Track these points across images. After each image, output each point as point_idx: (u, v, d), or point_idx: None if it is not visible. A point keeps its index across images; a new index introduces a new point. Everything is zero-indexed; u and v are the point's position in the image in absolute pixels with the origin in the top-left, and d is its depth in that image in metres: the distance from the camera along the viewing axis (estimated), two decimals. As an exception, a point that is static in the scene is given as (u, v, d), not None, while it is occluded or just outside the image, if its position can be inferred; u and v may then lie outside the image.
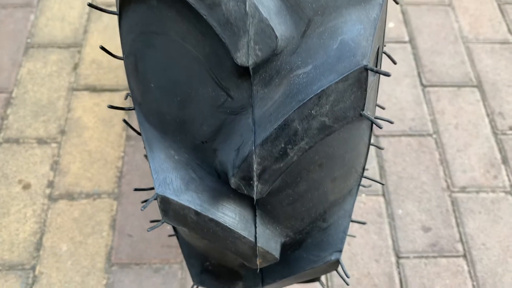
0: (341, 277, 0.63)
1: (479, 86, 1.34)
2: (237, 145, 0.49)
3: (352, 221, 0.70)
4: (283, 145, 0.48)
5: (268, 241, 0.58)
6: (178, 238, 0.72)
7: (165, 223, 1.11)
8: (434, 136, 1.26)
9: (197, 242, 0.66)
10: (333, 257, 0.61)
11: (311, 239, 0.63)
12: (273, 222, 0.59)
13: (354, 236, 0.86)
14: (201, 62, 0.48)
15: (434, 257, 1.09)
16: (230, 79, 0.48)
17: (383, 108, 0.64)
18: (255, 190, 0.51)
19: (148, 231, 0.54)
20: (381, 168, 1.20)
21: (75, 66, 1.36)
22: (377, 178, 1.19)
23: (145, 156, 0.67)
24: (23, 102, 1.29)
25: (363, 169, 0.61)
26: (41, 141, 1.23)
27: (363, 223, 0.72)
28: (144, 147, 0.56)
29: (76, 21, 1.44)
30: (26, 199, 1.14)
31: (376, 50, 0.50)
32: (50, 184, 1.17)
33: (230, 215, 0.55)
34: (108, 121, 1.26)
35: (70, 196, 1.15)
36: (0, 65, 1.35)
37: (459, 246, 1.11)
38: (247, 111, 0.49)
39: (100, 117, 1.26)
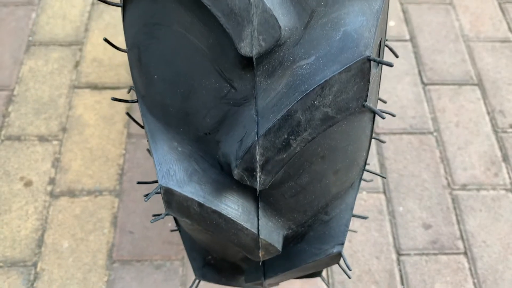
0: (343, 269, 0.63)
1: (480, 84, 1.35)
2: (240, 136, 0.50)
3: (354, 215, 0.70)
4: (286, 136, 0.48)
5: (271, 233, 0.59)
6: (180, 232, 0.72)
7: (167, 220, 1.11)
8: (435, 134, 1.26)
9: (199, 236, 0.66)
10: (335, 250, 0.61)
11: (313, 232, 0.63)
12: (276, 214, 0.59)
13: (355, 232, 0.86)
14: (205, 54, 0.49)
15: (435, 254, 1.09)
16: (234, 70, 0.48)
17: (384, 102, 0.64)
18: (258, 181, 0.51)
19: (151, 222, 0.54)
20: (382, 165, 1.21)
21: (76, 64, 1.36)
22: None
23: (148, 150, 0.67)
24: (25, 99, 1.29)
25: (365, 162, 0.61)
26: (42, 139, 1.23)
27: (365, 218, 0.72)
28: (147, 140, 0.56)
29: (77, 19, 1.45)
30: (27, 196, 1.15)
31: (378, 42, 0.50)
32: (52, 181, 1.17)
33: (233, 207, 0.55)
34: (109, 118, 1.26)
35: (71, 193, 1.15)
36: (1, 63, 1.35)
37: (460, 244, 1.11)
38: (250, 103, 0.49)
39: (101, 115, 1.27)
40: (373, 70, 0.49)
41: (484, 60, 1.39)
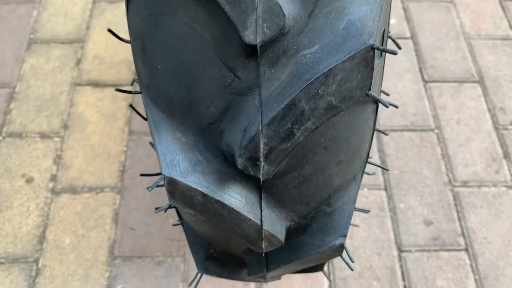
0: (345, 262, 0.63)
1: (481, 81, 1.35)
2: (244, 126, 0.50)
3: (356, 209, 0.70)
4: (289, 125, 0.48)
5: (274, 224, 0.59)
6: (183, 226, 0.72)
7: (168, 216, 1.11)
8: (436, 131, 1.26)
9: (202, 228, 0.66)
10: (337, 242, 0.61)
11: (316, 224, 0.63)
12: (279, 205, 0.59)
13: (357, 226, 0.86)
14: (209, 43, 0.49)
15: (436, 250, 1.09)
16: (238, 59, 0.48)
17: (387, 95, 0.64)
18: (262, 171, 0.51)
19: (155, 212, 0.54)
20: (383, 162, 1.21)
21: (78, 62, 1.36)
22: (379, 172, 1.19)
23: (151, 143, 0.67)
24: (26, 97, 1.29)
25: (368, 154, 0.62)
26: (44, 136, 1.23)
27: (367, 212, 0.72)
28: (151, 131, 0.56)
29: (79, 17, 1.45)
30: (29, 193, 1.15)
31: (382, 31, 0.50)
32: (53, 178, 1.17)
33: (236, 198, 0.55)
34: (111, 116, 1.26)
35: (73, 190, 1.15)
36: (3, 61, 1.35)
37: (461, 240, 1.11)
38: (254, 92, 0.49)
39: (102, 112, 1.27)
40: (377, 61, 0.49)
41: (485, 58, 1.39)
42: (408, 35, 1.44)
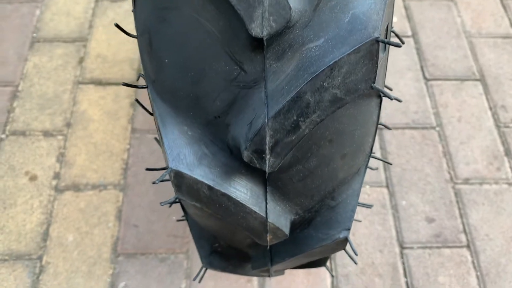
0: (349, 255, 0.64)
1: (482, 79, 1.35)
2: (249, 119, 0.50)
3: (359, 204, 0.71)
4: (295, 118, 0.49)
5: (279, 217, 0.59)
6: (187, 221, 0.72)
7: (171, 213, 1.12)
8: (437, 128, 1.27)
9: (207, 221, 0.67)
10: (341, 235, 0.62)
11: (320, 217, 0.64)
12: (284, 199, 0.59)
13: (359, 221, 0.86)
14: (215, 36, 0.49)
15: (438, 247, 1.10)
16: (244, 52, 0.49)
17: (390, 89, 0.65)
18: (267, 164, 0.52)
19: (161, 205, 0.55)
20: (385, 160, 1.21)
21: (81, 60, 1.37)
22: (381, 169, 1.19)
23: (156, 139, 0.67)
24: (29, 95, 1.30)
25: (371, 148, 0.62)
26: (47, 134, 1.23)
27: (370, 207, 0.72)
28: (157, 126, 0.57)
29: (81, 16, 1.45)
30: (32, 191, 1.15)
31: (386, 25, 0.51)
32: (56, 176, 1.17)
33: (242, 191, 0.56)
34: (114, 114, 1.27)
35: (76, 188, 1.16)
36: (6, 59, 1.36)
37: (463, 237, 1.11)
38: (260, 85, 0.50)
39: (105, 110, 1.27)
40: (381, 55, 0.50)
41: (486, 56, 1.40)
42: (409, 33, 1.44)
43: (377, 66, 0.48)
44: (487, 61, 1.39)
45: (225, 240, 0.71)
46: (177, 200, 0.65)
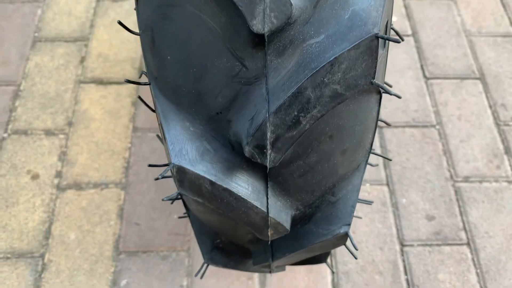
0: (349, 250, 0.64)
1: (482, 78, 1.36)
2: (251, 115, 0.51)
3: (359, 200, 0.71)
4: (296, 113, 0.49)
5: (280, 212, 0.60)
6: (189, 217, 0.73)
7: (173, 211, 1.12)
8: (437, 127, 1.27)
9: (208, 217, 0.67)
10: (342, 230, 0.62)
11: (321, 213, 0.64)
12: (284, 194, 0.60)
13: (360, 218, 0.87)
14: (217, 33, 0.50)
15: (438, 245, 1.11)
16: (245, 49, 0.50)
17: (390, 86, 0.66)
18: (269, 159, 0.52)
19: (163, 200, 0.55)
20: (385, 158, 1.22)
21: (82, 60, 1.37)
22: (381, 167, 1.20)
23: (158, 136, 0.68)
24: (31, 94, 1.30)
25: (371, 145, 0.63)
26: (49, 133, 1.24)
27: (370, 203, 0.73)
28: (159, 122, 0.58)
29: (83, 15, 1.46)
30: (34, 189, 1.16)
31: (385, 22, 0.51)
32: (58, 174, 1.18)
33: (243, 186, 0.56)
34: (115, 113, 1.27)
35: (78, 186, 1.16)
36: (8, 59, 1.36)
37: (463, 235, 1.12)
38: (261, 81, 0.50)
39: (107, 109, 1.28)
40: (380, 51, 0.51)
41: (486, 55, 1.40)
42: (410, 32, 1.45)
43: (376, 62, 0.49)
44: (487, 59, 1.39)
45: (227, 236, 0.71)
46: (179, 196, 0.65)
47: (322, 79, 0.48)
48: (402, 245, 1.10)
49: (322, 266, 1.07)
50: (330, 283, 1.05)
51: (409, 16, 1.48)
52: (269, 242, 0.68)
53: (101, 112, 1.28)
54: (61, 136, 1.23)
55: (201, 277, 0.80)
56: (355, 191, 0.63)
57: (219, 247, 0.74)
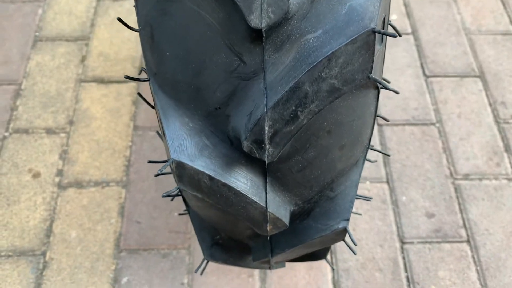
0: (348, 245, 0.65)
1: (482, 76, 1.36)
2: (249, 110, 0.51)
3: (357, 196, 0.71)
4: (294, 108, 0.50)
5: (278, 207, 0.60)
6: (189, 213, 0.73)
7: (173, 209, 1.13)
8: (437, 125, 1.27)
9: (208, 213, 0.68)
10: (340, 226, 0.63)
11: (319, 208, 0.65)
12: (283, 189, 0.60)
13: (360, 214, 0.87)
14: (215, 28, 0.50)
15: (438, 242, 1.11)
16: (243, 44, 0.50)
17: (388, 82, 0.66)
18: (267, 153, 0.53)
19: (163, 196, 0.56)
20: (385, 156, 1.22)
21: (83, 59, 1.38)
22: (381, 165, 1.20)
23: (157, 132, 0.68)
24: (32, 93, 1.31)
25: (369, 140, 0.63)
26: (50, 131, 1.25)
27: (369, 199, 0.73)
28: (159, 118, 0.58)
29: (83, 15, 1.47)
30: (36, 188, 1.16)
31: (382, 18, 0.52)
32: (59, 173, 1.18)
33: (242, 181, 0.57)
34: (116, 111, 1.28)
35: (79, 184, 1.17)
36: (9, 58, 1.37)
37: (463, 232, 1.12)
38: (259, 76, 0.51)
39: (107, 108, 1.28)
40: (377, 46, 0.51)
41: (485, 53, 1.40)
42: (409, 30, 1.45)
43: (373, 57, 0.49)
44: (486, 57, 1.39)
45: (226, 231, 0.72)
46: (179, 193, 0.66)
47: (319, 73, 0.48)
48: (402, 242, 1.11)
49: (323, 263, 1.07)
50: (330, 280, 1.06)
51: (409, 15, 1.48)
52: (268, 238, 0.69)
53: (102, 110, 1.28)
54: (62, 134, 1.24)
55: (201, 274, 0.81)
56: (353, 186, 0.64)
57: (218, 243, 0.74)
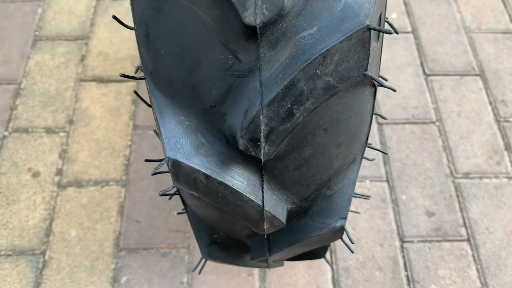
0: (345, 244, 0.64)
1: (482, 74, 1.36)
2: (245, 108, 0.51)
3: (356, 195, 0.71)
4: (289, 105, 0.50)
5: (275, 206, 0.60)
6: (187, 213, 0.73)
7: (172, 208, 1.13)
8: (437, 123, 1.27)
9: (205, 212, 0.68)
10: (338, 224, 0.62)
11: (317, 206, 0.65)
12: (280, 188, 0.60)
13: (358, 213, 0.87)
14: (210, 26, 0.50)
15: (438, 241, 1.10)
16: (238, 42, 0.50)
17: (386, 80, 0.66)
18: (263, 151, 0.53)
19: (160, 195, 0.56)
20: (385, 155, 1.22)
21: (82, 58, 1.38)
22: (381, 164, 1.20)
23: (155, 131, 0.68)
24: (32, 92, 1.31)
25: (367, 138, 0.63)
26: (49, 131, 1.25)
27: (367, 198, 0.73)
28: (155, 117, 0.58)
29: (83, 14, 1.47)
30: (35, 187, 1.16)
31: (378, 14, 0.51)
32: (59, 172, 1.18)
33: (238, 179, 0.56)
34: (115, 111, 1.28)
35: (78, 184, 1.17)
36: (9, 57, 1.37)
37: (463, 231, 1.12)
38: (255, 74, 0.51)
39: (107, 107, 1.28)
40: (373, 44, 0.51)
41: (485, 51, 1.40)
42: (409, 29, 1.45)
43: (369, 54, 0.49)
44: (486, 56, 1.39)
45: (224, 230, 0.72)
46: (177, 192, 0.66)
47: (314, 71, 0.48)
48: (402, 241, 1.10)
49: (322, 262, 1.07)
50: (330, 279, 1.05)
51: (409, 13, 1.48)
52: (266, 236, 0.69)
53: (102, 110, 1.28)
54: (62, 134, 1.24)
55: (199, 273, 0.80)
56: (351, 184, 0.63)
57: (216, 242, 0.74)
